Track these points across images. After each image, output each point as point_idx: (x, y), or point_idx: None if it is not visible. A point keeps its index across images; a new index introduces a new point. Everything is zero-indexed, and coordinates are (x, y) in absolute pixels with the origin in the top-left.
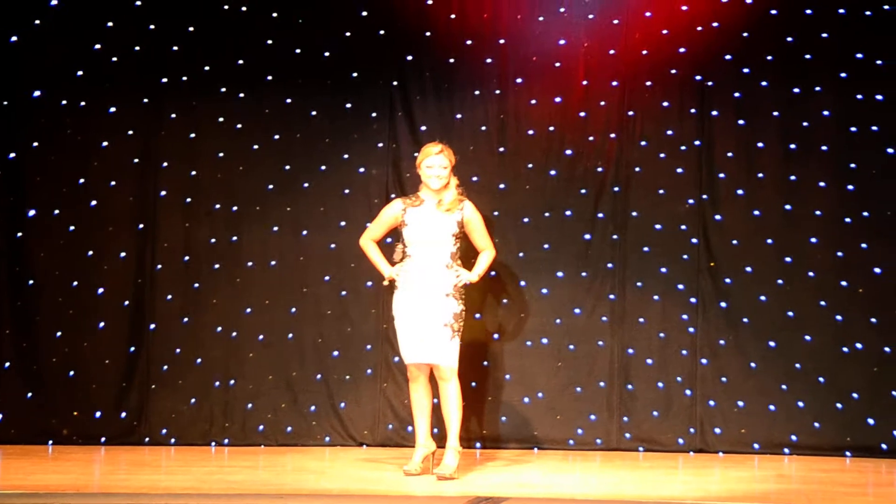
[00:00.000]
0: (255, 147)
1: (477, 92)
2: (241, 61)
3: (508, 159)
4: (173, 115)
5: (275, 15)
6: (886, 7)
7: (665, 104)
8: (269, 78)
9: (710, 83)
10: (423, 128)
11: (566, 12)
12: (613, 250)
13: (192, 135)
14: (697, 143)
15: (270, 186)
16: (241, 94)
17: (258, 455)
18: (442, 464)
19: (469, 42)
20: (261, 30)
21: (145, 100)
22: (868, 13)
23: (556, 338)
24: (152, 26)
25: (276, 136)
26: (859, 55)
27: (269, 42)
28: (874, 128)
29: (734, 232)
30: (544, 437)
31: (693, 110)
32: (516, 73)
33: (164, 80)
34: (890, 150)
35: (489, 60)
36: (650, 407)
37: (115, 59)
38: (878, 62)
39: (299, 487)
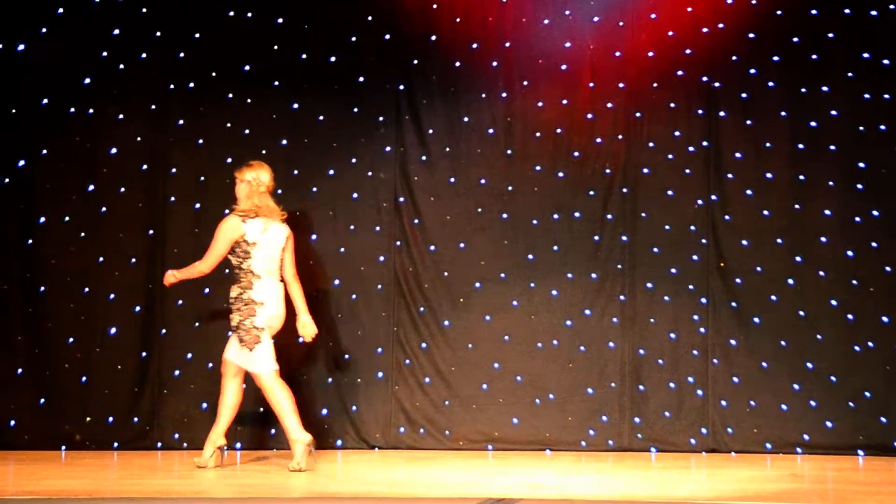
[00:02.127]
0: (264, 152)
1: (483, 95)
2: (247, 67)
3: (516, 162)
4: (181, 122)
5: (280, 21)
6: (892, 7)
7: (672, 105)
8: (276, 83)
9: (716, 84)
10: (431, 131)
11: (571, 15)
12: (623, 251)
13: (200, 141)
14: (705, 143)
15: (279, 191)
16: (249, 100)
17: (270, 459)
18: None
19: (474, 45)
20: (267, 36)
21: (153, 106)
22: (874, 13)
23: (566, 339)
24: (158, 33)
25: (284, 142)
26: (866, 55)
27: (276, 48)
28: (882, 127)
29: (743, 232)
30: (556, 438)
31: (700, 111)
32: (522, 76)
33: (172, 86)
34: None
35: (495, 63)
36: (662, 407)
37: (122, 66)
38: (885, 62)
39: (311, 490)
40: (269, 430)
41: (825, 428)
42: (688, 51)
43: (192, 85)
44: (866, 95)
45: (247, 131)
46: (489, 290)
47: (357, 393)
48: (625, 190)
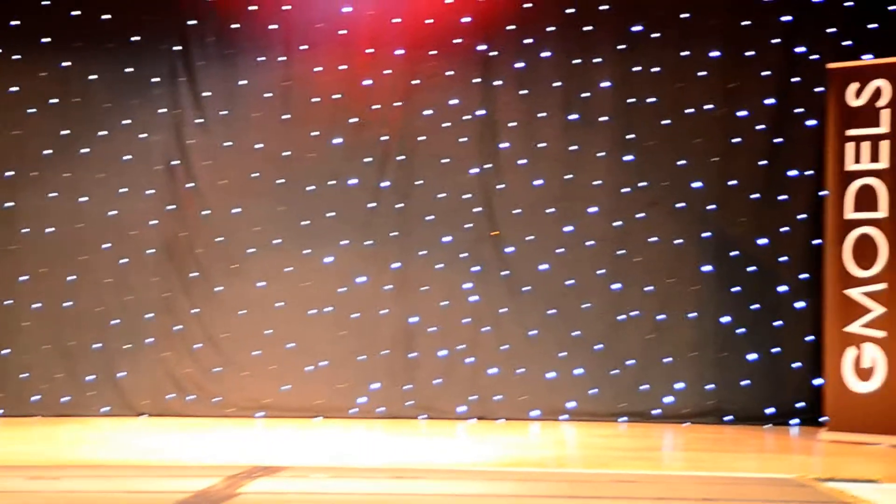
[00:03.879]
0: (31, 111)
1: (261, 58)
2: (15, 22)
3: (293, 126)
4: None
5: None
6: None
7: (449, 73)
8: (46, 40)
9: (493, 53)
10: (207, 93)
11: None
12: (398, 219)
13: None
14: (481, 112)
15: (48, 151)
16: (16, 56)
17: (33, 426)
18: None
19: (253, 8)
20: None
21: None
22: None
23: (340, 306)
24: None
25: (54, 101)
26: (636, 27)
27: (46, 2)
28: (651, 99)
29: (517, 201)
30: (327, 405)
31: (476, 80)
32: (301, 40)
33: None
34: (666, 122)
35: (273, 27)
36: (432, 375)
37: None
38: (654, 35)
39: (76, 458)
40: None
41: (589, 395)
42: (465, 19)
43: None
44: (637, 68)
45: (14, 89)
46: (263, 256)
47: (125, 359)
48: (401, 157)
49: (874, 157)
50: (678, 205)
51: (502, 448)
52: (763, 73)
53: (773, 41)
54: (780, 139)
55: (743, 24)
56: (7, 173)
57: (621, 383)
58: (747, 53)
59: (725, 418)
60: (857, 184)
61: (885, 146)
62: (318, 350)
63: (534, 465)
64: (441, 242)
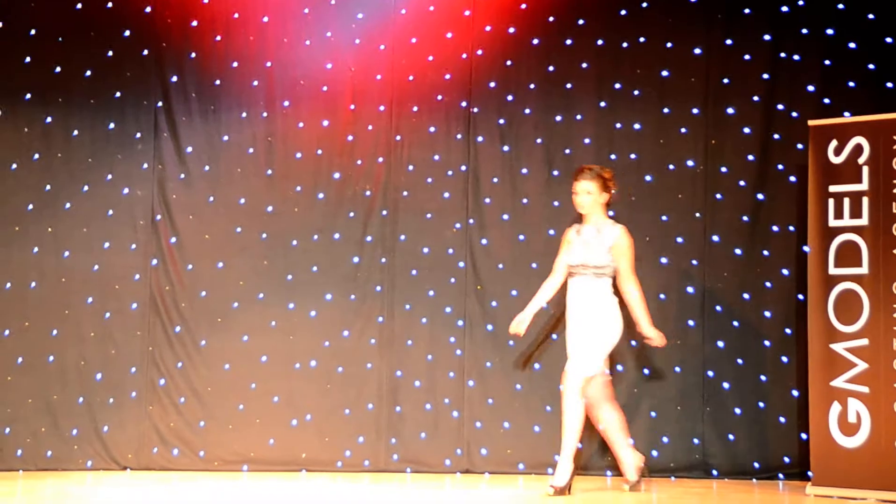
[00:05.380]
0: (14, 166)
1: (244, 114)
2: None
3: (276, 182)
4: None
5: (33, 32)
6: (641, 39)
7: (432, 129)
8: (28, 96)
9: (475, 109)
10: (189, 149)
11: (332, 36)
12: (382, 273)
13: None
14: (464, 168)
15: (30, 206)
16: None
17: (16, 480)
18: None
19: (235, 64)
20: (19, 46)
21: None
22: (625, 45)
23: (324, 360)
24: None
25: (36, 156)
26: (617, 85)
27: (28, 59)
28: (633, 156)
29: (500, 256)
30: (312, 459)
31: (459, 136)
32: (283, 96)
33: None
34: (648, 178)
35: (256, 83)
36: (418, 428)
37: None
38: (635, 92)
39: None
40: (17, 452)
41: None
42: (447, 76)
43: None
44: (618, 125)
45: None
46: (247, 310)
47: (109, 413)
48: (384, 212)
49: (855, 214)
50: (662, 260)
51: (489, 501)
52: (744, 130)
53: (754, 98)
54: (762, 195)
55: (724, 81)
56: None
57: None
58: (728, 110)
59: (712, 472)
60: (839, 239)
61: (865, 202)
62: (302, 404)
63: None
64: (426, 297)
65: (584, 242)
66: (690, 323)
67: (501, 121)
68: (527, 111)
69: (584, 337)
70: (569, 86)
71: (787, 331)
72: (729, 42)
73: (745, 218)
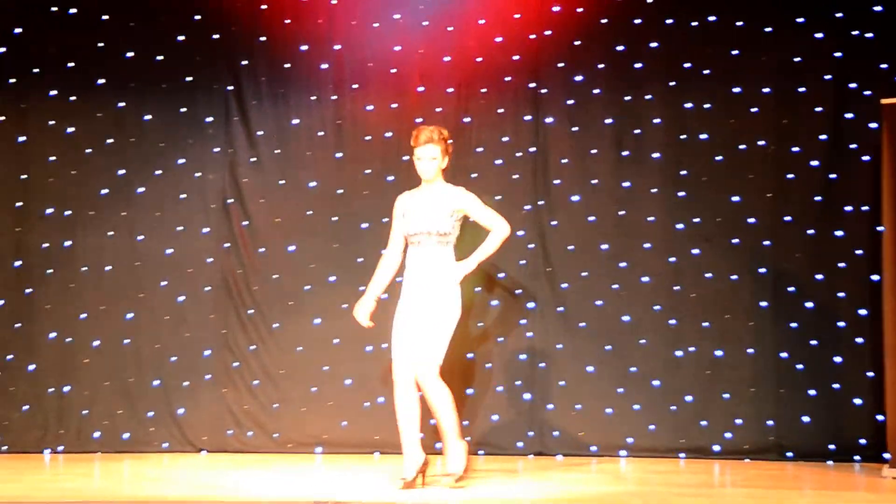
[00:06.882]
0: (88, 151)
1: (313, 97)
2: (71, 64)
3: (346, 165)
4: (2, 118)
5: (105, 18)
6: (711, 18)
7: (500, 111)
8: (101, 81)
9: (543, 90)
10: (260, 132)
11: (401, 19)
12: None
13: (22, 138)
14: (532, 149)
15: (104, 191)
16: (73, 98)
17: (94, 462)
18: None
19: (304, 47)
20: (91, 33)
21: None
22: (694, 23)
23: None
24: None
25: (110, 141)
26: (687, 64)
27: (101, 45)
28: (703, 136)
29: (570, 237)
30: (385, 441)
31: (528, 117)
32: (352, 79)
33: None
34: (718, 158)
35: (325, 66)
36: (490, 411)
37: None
38: (705, 71)
39: (137, 494)
40: (94, 434)
41: (647, 431)
42: (515, 57)
43: (12, 81)
44: (688, 105)
45: (71, 129)
46: (319, 292)
47: (184, 395)
48: None
49: None
50: (733, 241)
51: (562, 484)
52: (816, 109)
53: (826, 77)
54: (835, 175)
55: (795, 60)
56: (66, 212)
57: (679, 419)
58: (800, 90)
59: (786, 454)
60: None
61: None
62: (374, 386)
63: (593, 502)
64: (496, 279)
65: (423, 209)
66: (763, 304)
67: (570, 101)
68: (596, 91)
69: (429, 321)
70: (638, 65)
71: (862, 312)
72: (800, 20)
73: (817, 198)
